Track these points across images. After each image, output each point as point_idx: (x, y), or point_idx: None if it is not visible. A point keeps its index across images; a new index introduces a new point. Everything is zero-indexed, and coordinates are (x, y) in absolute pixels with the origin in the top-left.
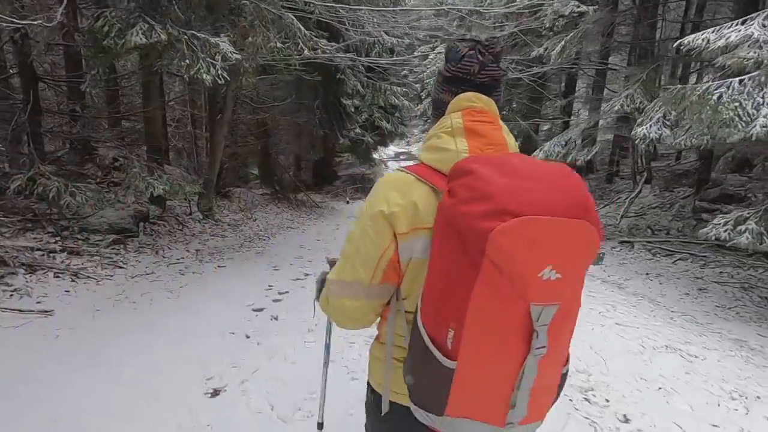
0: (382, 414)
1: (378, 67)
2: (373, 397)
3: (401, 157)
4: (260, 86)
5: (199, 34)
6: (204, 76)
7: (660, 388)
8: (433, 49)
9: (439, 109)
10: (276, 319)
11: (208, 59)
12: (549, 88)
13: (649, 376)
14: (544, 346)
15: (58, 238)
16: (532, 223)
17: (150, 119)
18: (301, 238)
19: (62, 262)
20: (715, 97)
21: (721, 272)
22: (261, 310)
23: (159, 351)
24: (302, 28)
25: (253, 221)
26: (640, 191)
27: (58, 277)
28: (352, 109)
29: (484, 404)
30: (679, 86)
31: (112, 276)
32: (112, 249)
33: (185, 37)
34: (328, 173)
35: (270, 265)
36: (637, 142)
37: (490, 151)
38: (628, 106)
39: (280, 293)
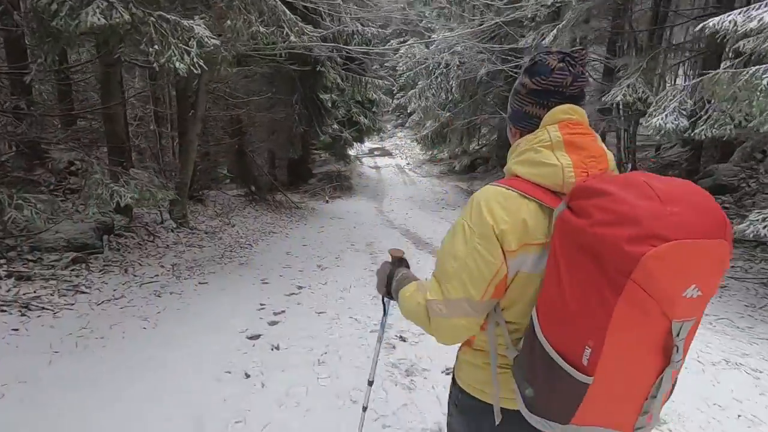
0: (496, 424)
1: (364, 56)
2: (463, 397)
3: (376, 153)
4: (234, 80)
5: (168, 16)
6: (177, 64)
7: (740, 416)
8: (404, 42)
9: (523, 121)
10: (277, 348)
11: (181, 45)
12: None
13: (721, 400)
14: (681, 359)
15: (2, 261)
16: (682, 248)
17: (111, 117)
18: (286, 243)
19: (9, 291)
20: (764, 82)
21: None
22: (257, 337)
23: (137, 405)
24: (287, 11)
25: (231, 227)
26: None
27: (3, 311)
28: (329, 104)
29: (616, 413)
30: (720, 71)
31: (72, 305)
32: (72, 270)
33: (152, 18)
34: (303, 171)
35: (257, 277)
36: (650, 133)
37: (592, 164)
38: (630, 96)
39: (275, 313)
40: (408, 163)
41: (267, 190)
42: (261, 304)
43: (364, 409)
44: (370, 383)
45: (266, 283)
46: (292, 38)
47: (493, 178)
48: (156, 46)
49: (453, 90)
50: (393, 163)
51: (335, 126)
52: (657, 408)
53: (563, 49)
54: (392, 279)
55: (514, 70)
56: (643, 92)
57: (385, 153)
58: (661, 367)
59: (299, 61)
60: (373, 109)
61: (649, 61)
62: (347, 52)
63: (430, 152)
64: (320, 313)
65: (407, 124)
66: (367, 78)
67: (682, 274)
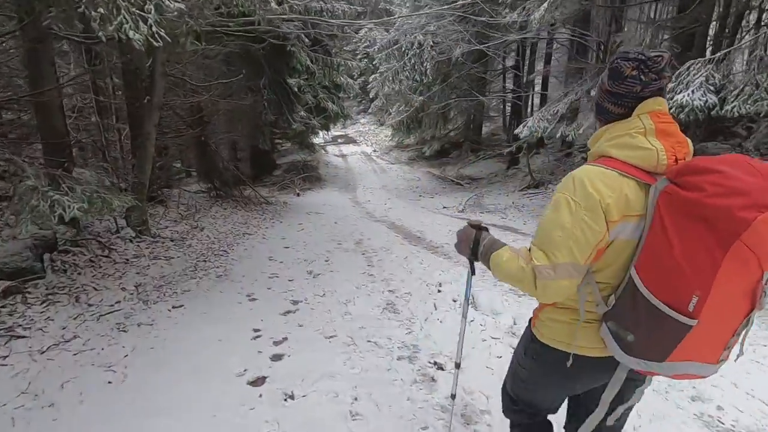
0: (569, 366)
1: (339, 32)
2: (544, 350)
3: (339, 140)
4: (195, 61)
5: None
6: (131, 34)
7: None
8: (366, 23)
9: (604, 114)
10: (292, 398)
11: (134, 9)
12: (490, 62)
13: None
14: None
15: None
16: None
17: (44, 106)
18: (266, 247)
19: None
20: None
21: None
22: (262, 381)
23: None
24: None
25: (200, 231)
26: None
27: None
28: (296, 89)
29: (706, 349)
30: None
31: (5, 357)
32: (4, 307)
33: None
34: (267, 163)
35: (242, 293)
36: (671, 111)
37: (679, 148)
38: None
39: (275, 342)
40: (374, 150)
41: (233, 185)
42: (255, 331)
43: (453, 396)
44: (457, 365)
45: (254, 299)
46: (273, 5)
47: (465, 163)
48: (101, 10)
49: (427, 71)
50: (359, 150)
51: (302, 113)
52: (740, 344)
53: (644, 51)
54: (479, 242)
55: (491, 50)
56: None
57: (350, 140)
58: (748, 310)
59: (268, 39)
60: (340, 95)
61: (648, 36)
62: (316, 33)
63: (398, 138)
64: (330, 337)
65: (370, 110)
66: (339, 59)
67: None
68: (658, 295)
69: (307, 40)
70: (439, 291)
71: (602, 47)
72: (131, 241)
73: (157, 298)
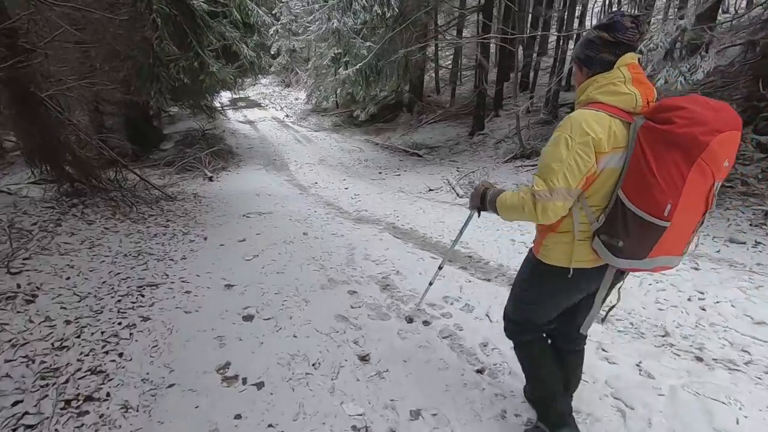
0: (569, 276)
1: None
2: (550, 270)
3: (240, 104)
4: None
5: None
6: None
7: None
8: None
9: (598, 65)
10: None
11: None
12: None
13: None
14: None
15: None
16: (729, 135)
17: None
18: (199, 318)
19: None
20: None
21: None
22: None
23: None
24: None
25: (25, 306)
26: None
27: None
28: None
29: (675, 245)
30: None
31: None
32: None
33: None
34: (150, 133)
35: None
36: None
37: (649, 92)
38: None
39: None
40: (287, 115)
41: (100, 172)
42: None
43: (431, 283)
44: (440, 267)
45: None
46: None
47: (408, 129)
48: None
49: (391, 1)
50: (268, 115)
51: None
52: (694, 239)
53: (632, 13)
54: (486, 194)
55: None
56: None
57: (253, 104)
58: (703, 211)
59: None
60: (255, 38)
61: None
62: None
63: (316, 100)
64: None
65: (272, 69)
66: None
67: (725, 151)
68: (641, 207)
69: None
70: None
71: None
72: None
73: None
